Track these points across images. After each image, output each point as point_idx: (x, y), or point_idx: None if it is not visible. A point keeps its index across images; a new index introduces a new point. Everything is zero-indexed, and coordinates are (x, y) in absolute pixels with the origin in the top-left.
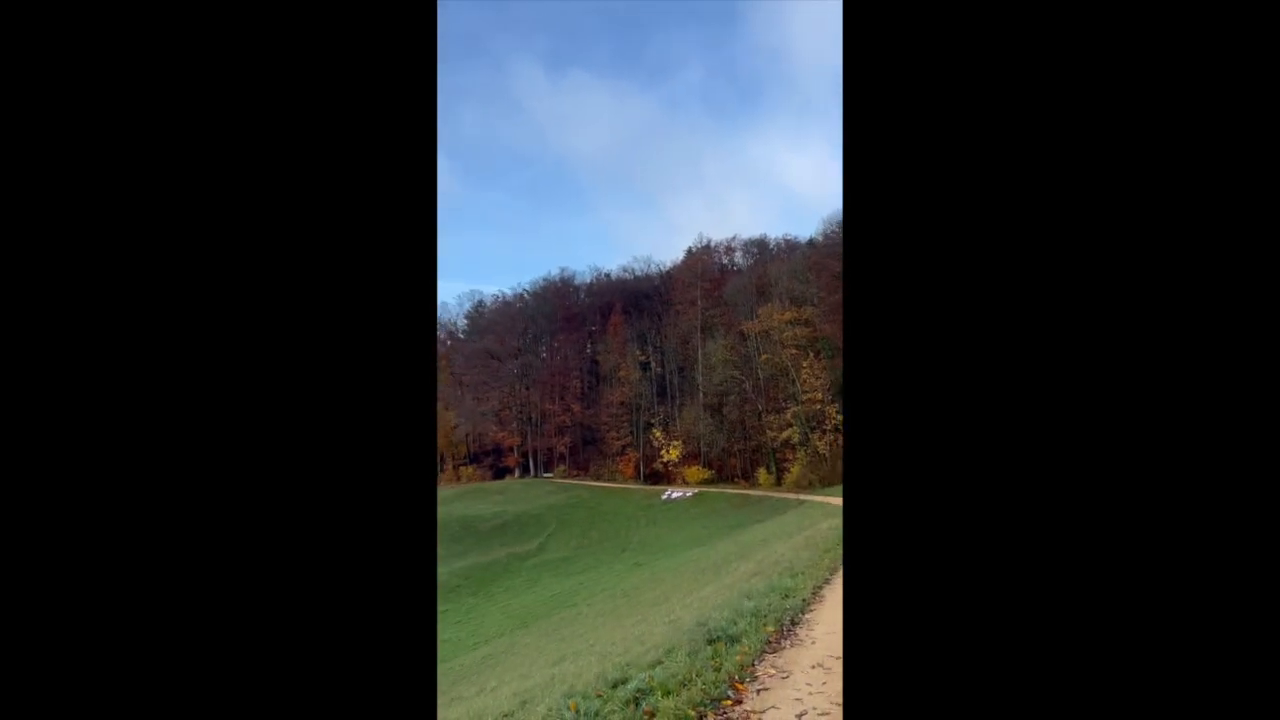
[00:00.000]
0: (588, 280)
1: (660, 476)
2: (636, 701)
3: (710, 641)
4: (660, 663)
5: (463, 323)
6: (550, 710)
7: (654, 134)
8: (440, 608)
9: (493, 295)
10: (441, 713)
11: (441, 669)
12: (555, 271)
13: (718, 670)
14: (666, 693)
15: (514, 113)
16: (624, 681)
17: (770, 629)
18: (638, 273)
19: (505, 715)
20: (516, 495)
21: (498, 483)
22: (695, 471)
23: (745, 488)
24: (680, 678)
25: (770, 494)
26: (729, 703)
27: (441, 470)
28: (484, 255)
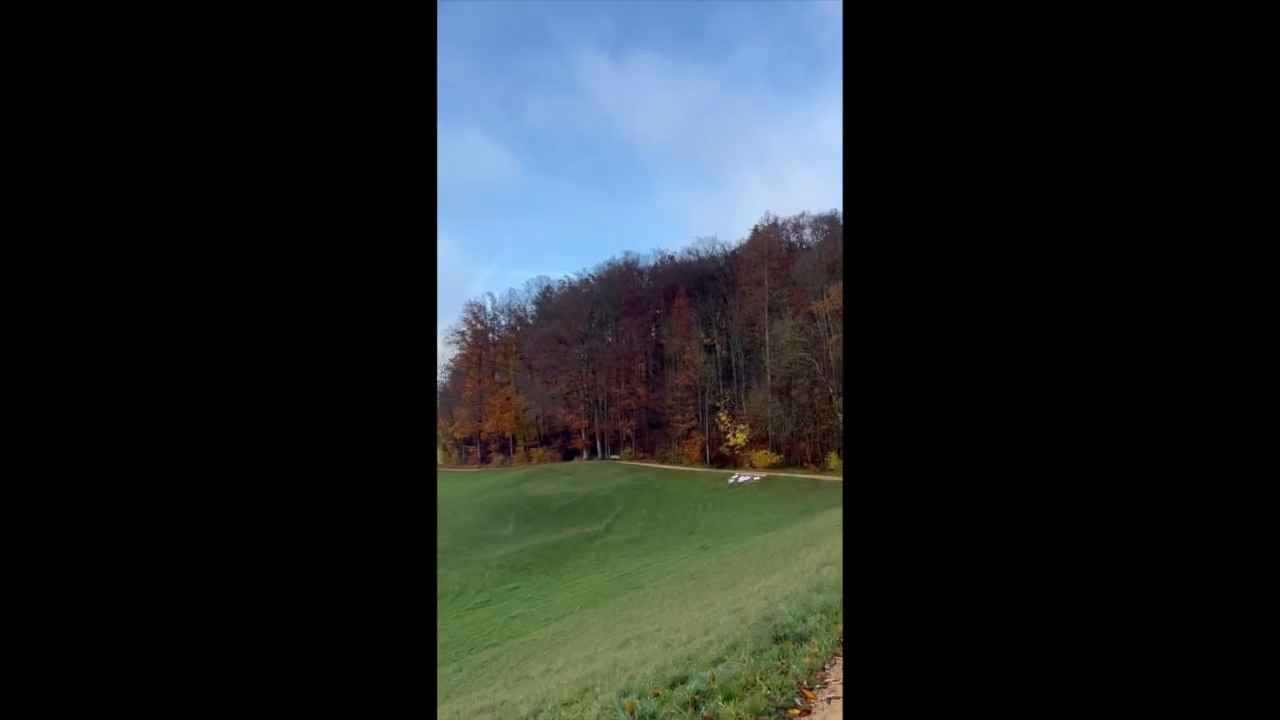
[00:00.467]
0: (651, 264)
1: (726, 460)
2: (696, 705)
3: (777, 640)
4: (723, 660)
5: (531, 308)
6: (605, 708)
7: (717, 112)
8: (512, 584)
9: (559, 281)
10: (506, 693)
11: (514, 644)
12: (619, 255)
13: (784, 673)
14: (728, 697)
15: (578, 98)
16: (683, 680)
17: (842, 628)
18: (702, 254)
19: (565, 704)
20: (585, 476)
21: (566, 464)
22: (763, 455)
23: (815, 472)
24: (743, 680)
25: (841, 479)
26: (796, 712)
27: (513, 451)
28: (551, 241)
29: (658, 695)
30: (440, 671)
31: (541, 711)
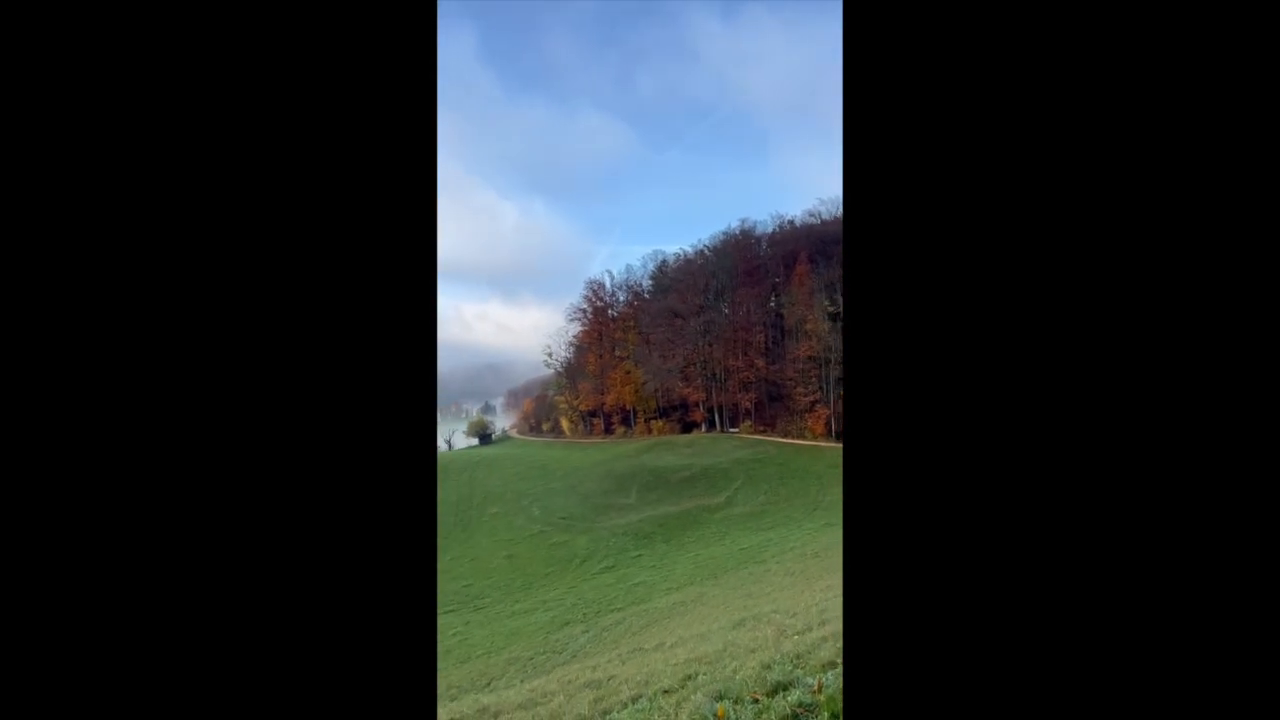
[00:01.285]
0: (769, 230)
1: None
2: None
3: None
4: (834, 665)
5: (648, 283)
6: (695, 710)
7: (835, 61)
8: (635, 552)
9: (675, 254)
10: (619, 665)
11: (635, 610)
12: (735, 224)
13: None
14: (834, 714)
15: (690, 65)
16: (786, 687)
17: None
18: (825, 216)
19: (665, 691)
20: (704, 449)
21: (685, 436)
22: None
23: None
24: None
25: None
26: None
27: (634, 424)
28: (666, 215)
29: (756, 702)
30: (569, 632)
31: (641, 698)
